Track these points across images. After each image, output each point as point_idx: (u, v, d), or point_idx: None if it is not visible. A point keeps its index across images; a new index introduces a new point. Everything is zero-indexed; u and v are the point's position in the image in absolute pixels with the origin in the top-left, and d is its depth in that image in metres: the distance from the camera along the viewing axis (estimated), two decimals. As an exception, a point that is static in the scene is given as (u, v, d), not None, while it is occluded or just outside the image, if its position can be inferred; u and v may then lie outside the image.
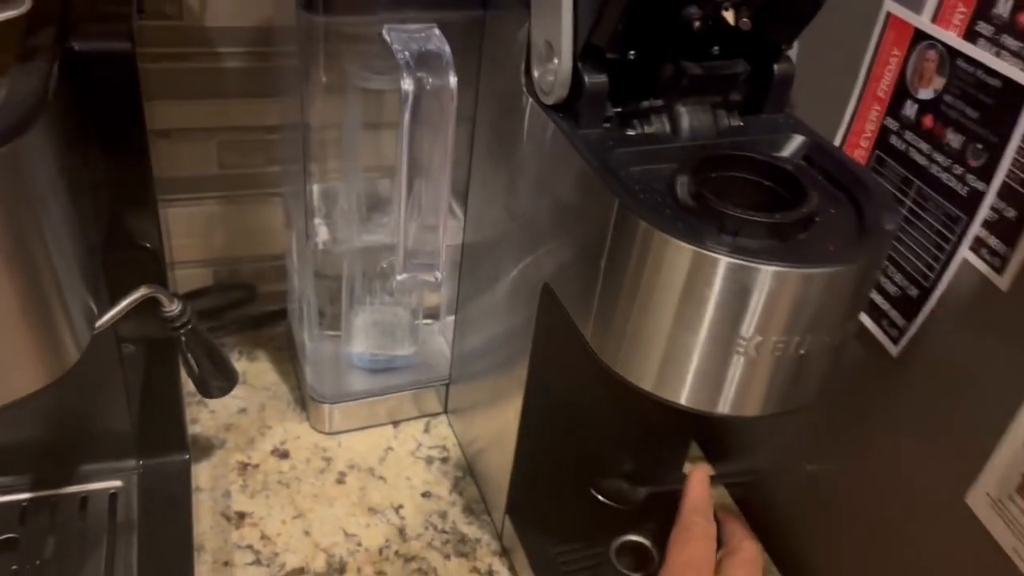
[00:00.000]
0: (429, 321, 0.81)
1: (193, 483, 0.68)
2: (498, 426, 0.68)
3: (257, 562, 0.65)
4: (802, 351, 0.45)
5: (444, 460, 0.76)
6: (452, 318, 0.76)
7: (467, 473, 0.75)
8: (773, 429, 0.72)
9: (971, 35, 0.50)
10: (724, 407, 0.48)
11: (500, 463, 0.68)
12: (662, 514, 0.69)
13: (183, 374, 0.63)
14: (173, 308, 0.55)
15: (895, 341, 0.56)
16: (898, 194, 0.56)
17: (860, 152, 0.59)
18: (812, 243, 0.45)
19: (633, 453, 0.70)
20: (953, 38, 0.51)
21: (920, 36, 0.53)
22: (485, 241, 0.67)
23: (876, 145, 0.57)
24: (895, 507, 0.59)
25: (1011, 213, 0.48)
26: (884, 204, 0.47)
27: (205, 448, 0.74)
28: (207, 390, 0.61)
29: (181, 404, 0.65)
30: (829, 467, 0.66)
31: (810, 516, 0.69)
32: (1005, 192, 0.48)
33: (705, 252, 0.43)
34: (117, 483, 0.63)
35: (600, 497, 0.69)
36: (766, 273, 0.43)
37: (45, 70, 0.42)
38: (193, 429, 0.75)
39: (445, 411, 0.80)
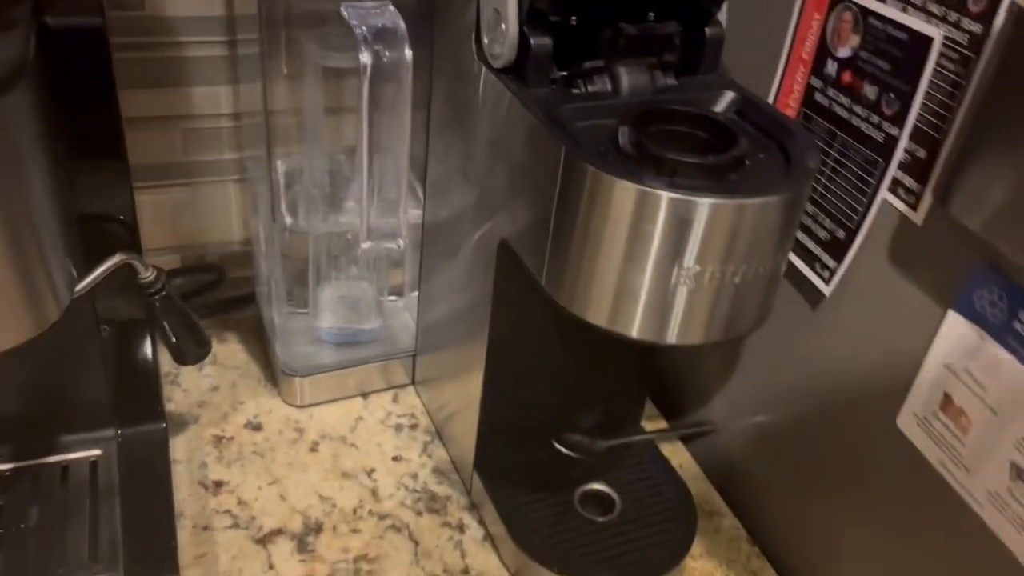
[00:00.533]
0: (394, 298, 0.84)
1: (171, 457, 0.71)
2: (464, 390, 0.71)
3: (236, 525, 0.68)
4: (737, 280, 0.49)
5: (413, 427, 0.79)
6: (416, 294, 0.80)
7: (435, 438, 0.78)
8: (722, 380, 0.76)
9: (881, -6, 0.55)
10: (671, 337, 0.52)
11: (467, 424, 0.71)
12: (622, 464, 0.73)
13: (158, 348, 0.66)
14: (148, 275, 0.58)
15: (827, 281, 0.61)
16: (824, 146, 0.60)
17: (790, 110, 0.64)
18: (744, 182, 0.50)
19: (593, 409, 0.74)
20: (865, -1, 0.56)
21: (837, -1, 0.58)
22: (445, 212, 0.71)
23: (803, 103, 0.62)
24: (835, 436, 0.64)
25: (922, 153, 0.53)
26: (806, 145, 0.51)
27: (180, 424, 0.76)
28: (183, 357, 0.63)
29: (157, 374, 0.67)
30: (776, 410, 0.70)
31: (761, 459, 0.73)
32: (916, 135, 0.53)
33: (648, 189, 0.47)
34: (97, 452, 0.65)
35: (563, 450, 0.72)
36: (703, 205, 0.47)
37: (23, 39, 0.45)
38: (168, 407, 0.77)
39: (413, 382, 0.83)
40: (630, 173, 0.48)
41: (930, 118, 0.52)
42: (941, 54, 0.51)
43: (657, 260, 0.49)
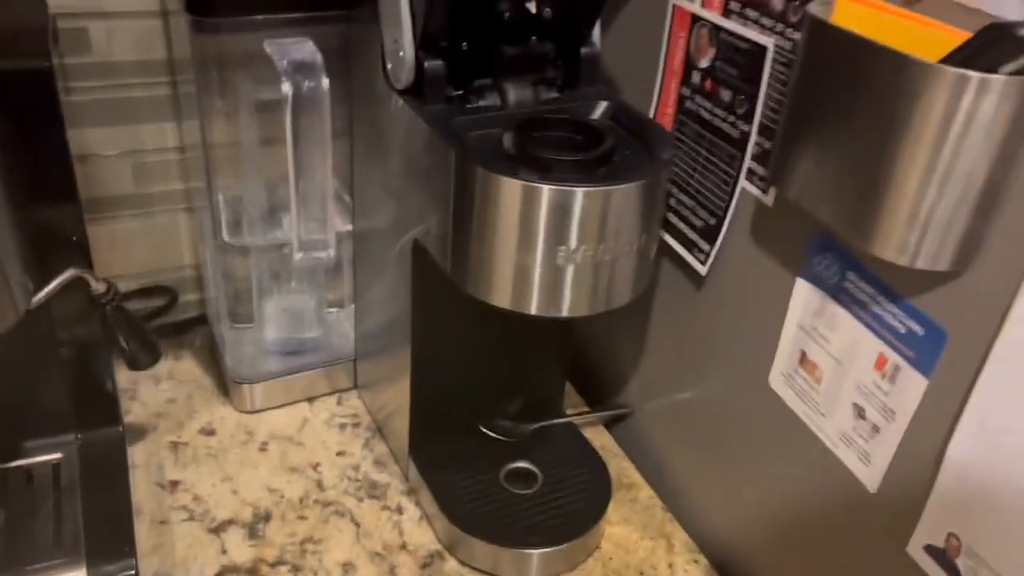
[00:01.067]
0: (335, 309, 0.92)
1: (129, 461, 0.77)
2: (398, 386, 0.78)
3: (191, 518, 0.74)
4: (611, 257, 0.57)
5: (356, 425, 0.86)
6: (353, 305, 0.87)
7: (376, 434, 0.85)
8: (634, 365, 0.84)
9: (727, 12, 0.63)
10: (564, 310, 0.60)
11: (402, 416, 0.78)
12: (545, 445, 0.81)
13: (114, 361, 0.72)
14: (99, 287, 0.65)
15: (703, 263, 0.69)
16: (696, 146, 0.69)
17: (668, 116, 0.72)
18: (611, 173, 0.58)
19: (516, 395, 0.81)
20: (716, 16, 0.64)
21: (696, 19, 0.67)
22: (371, 225, 0.78)
23: (678, 109, 0.71)
24: (725, 403, 0.72)
25: (767, 145, 0.62)
26: (664, 141, 0.60)
27: (139, 433, 0.82)
28: (136, 363, 0.70)
29: (113, 383, 0.74)
30: (679, 386, 0.78)
31: (670, 433, 0.80)
32: (762, 129, 0.62)
33: (530, 184, 0.55)
34: (59, 455, 0.71)
35: (491, 434, 0.80)
36: (577, 194, 0.55)
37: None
38: (127, 419, 0.83)
39: (355, 385, 0.90)
40: (513, 171, 0.56)
41: (770, 114, 0.61)
42: (774, 59, 0.59)
43: (544, 244, 0.57)
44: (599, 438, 0.86)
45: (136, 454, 0.80)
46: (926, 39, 0.46)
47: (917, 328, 0.52)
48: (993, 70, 0.42)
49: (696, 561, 0.74)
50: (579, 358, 0.92)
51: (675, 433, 0.80)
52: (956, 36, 0.45)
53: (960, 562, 0.51)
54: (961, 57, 0.43)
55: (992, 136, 0.44)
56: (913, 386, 0.53)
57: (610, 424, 0.88)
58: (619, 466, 0.83)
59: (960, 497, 0.50)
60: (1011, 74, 0.42)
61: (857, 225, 0.50)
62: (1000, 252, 0.47)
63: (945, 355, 0.51)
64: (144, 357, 0.70)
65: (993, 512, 0.49)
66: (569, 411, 0.87)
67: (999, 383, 0.47)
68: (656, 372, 0.81)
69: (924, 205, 0.47)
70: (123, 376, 0.88)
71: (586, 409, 0.89)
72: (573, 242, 0.57)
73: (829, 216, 0.53)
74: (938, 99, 0.44)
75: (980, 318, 0.48)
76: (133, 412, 0.85)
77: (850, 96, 0.49)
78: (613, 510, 0.78)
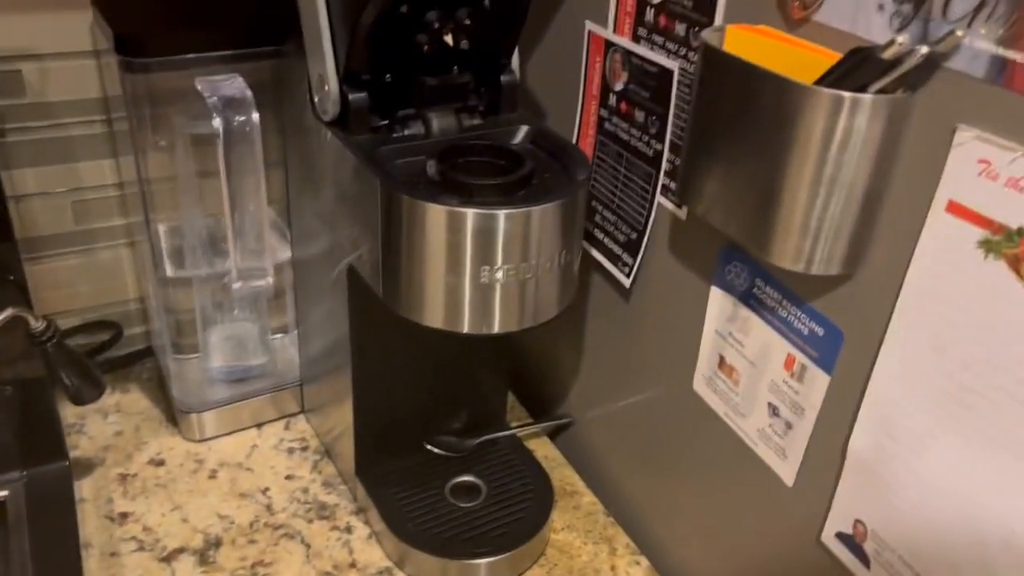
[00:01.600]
0: (279, 335, 0.93)
1: (77, 496, 0.77)
2: (342, 408, 0.80)
3: (141, 549, 0.75)
4: (534, 274, 0.60)
5: (304, 449, 0.87)
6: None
7: (324, 456, 0.86)
8: (574, 377, 0.87)
9: (636, 38, 0.67)
10: (495, 327, 0.62)
11: (348, 439, 0.80)
12: (489, 458, 0.83)
13: (57, 397, 0.73)
14: (39, 325, 0.66)
15: (627, 276, 0.73)
16: (616, 165, 0.72)
17: (589, 138, 0.76)
18: (531, 195, 0.61)
19: (459, 412, 0.84)
20: (627, 42, 0.68)
21: (609, 45, 0.70)
22: (308, 252, 0.80)
23: (598, 130, 0.74)
24: (655, 409, 0.75)
25: (677, 161, 0.65)
26: (579, 162, 0.63)
27: (86, 467, 0.83)
28: (80, 398, 0.71)
29: (57, 419, 0.75)
30: (614, 395, 0.81)
31: (609, 440, 0.83)
32: (672, 147, 0.66)
33: (453, 208, 0.58)
34: (4, 493, 0.72)
35: (435, 451, 0.82)
36: (498, 216, 0.58)
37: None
38: (73, 454, 0.84)
39: (302, 410, 0.92)
40: (436, 197, 0.59)
41: (679, 133, 0.64)
42: (679, 82, 0.63)
43: (471, 265, 0.60)
44: (543, 449, 0.89)
45: (84, 488, 0.80)
46: (809, 62, 0.49)
47: (818, 329, 0.56)
48: (863, 89, 0.46)
49: (638, 563, 0.77)
50: (522, 372, 0.95)
51: (614, 440, 0.83)
52: (834, 59, 0.48)
53: (867, 546, 0.54)
54: (833, 79, 0.47)
55: (868, 150, 0.48)
56: (818, 383, 0.56)
57: (553, 434, 0.91)
58: (562, 475, 0.86)
59: (863, 485, 0.54)
60: (878, 92, 0.46)
61: (756, 237, 0.53)
62: (883, 254, 0.50)
63: (843, 353, 0.54)
64: (88, 392, 0.71)
65: (891, 497, 0.52)
66: (513, 424, 0.90)
67: (889, 376, 0.51)
68: (593, 382, 0.84)
69: (813, 215, 0.50)
70: (70, 411, 0.89)
71: (529, 421, 0.92)
72: (498, 261, 0.59)
73: (732, 229, 0.56)
74: (817, 118, 0.48)
75: (871, 316, 0.52)
76: (81, 447, 0.85)
77: (742, 117, 0.52)
78: (557, 517, 0.80)
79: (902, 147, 0.48)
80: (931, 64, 0.45)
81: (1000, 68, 0.42)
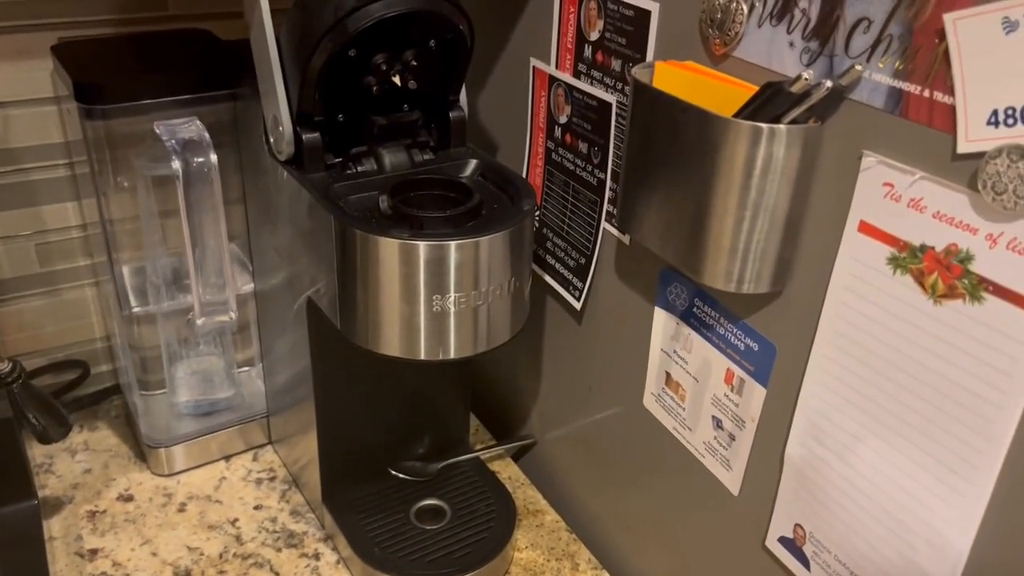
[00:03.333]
0: (246, 368, 0.95)
1: (46, 534, 0.79)
2: (308, 438, 0.82)
3: (111, 584, 0.76)
4: (484, 301, 0.63)
5: (272, 479, 0.89)
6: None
7: (292, 486, 0.88)
8: (534, 398, 0.89)
9: (577, 74, 0.71)
10: (451, 352, 0.65)
11: (314, 467, 0.82)
12: (453, 480, 0.85)
13: (23, 436, 0.74)
14: (5, 366, 0.68)
15: (578, 299, 0.76)
16: (564, 194, 0.76)
17: (539, 169, 0.79)
18: (480, 227, 0.64)
19: (421, 437, 0.86)
20: (568, 77, 0.72)
21: (553, 80, 0.74)
22: (269, 286, 0.82)
23: (546, 162, 0.78)
24: (610, 426, 0.78)
25: (619, 190, 0.68)
26: (524, 193, 0.66)
27: (55, 506, 0.84)
28: (47, 436, 0.72)
29: (25, 457, 0.75)
30: (572, 415, 0.84)
31: (569, 459, 0.86)
32: (615, 176, 0.69)
33: (405, 241, 0.60)
34: (-26, 534, 0.73)
35: (400, 475, 0.84)
36: (449, 247, 0.61)
37: None
38: (42, 493, 0.85)
39: (270, 441, 0.93)
40: (387, 230, 0.61)
41: (619, 162, 0.68)
42: (617, 114, 0.66)
43: (424, 294, 0.62)
44: (507, 470, 0.91)
45: (54, 526, 0.81)
46: (731, 95, 0.53)
47: (753, 344, 0.59)
48: (778, 120, 0.50)
49: (600, 577, 0.80)
50: (485, 397, 0.97)
51: (574, 458, 0.85)
52: (752, 92, 0.52)
53: (806, 549, 0.57)
54: (749, 111, 0.50)
55: (786, 176, 0.51)
56: (756, 396, 0.59)
57: (517, 455, 0.93)
58: (526, 494, 0.88)
59: (799, 490, 0.57)
60: (792, 123, 0.49)
61: (690, 260, 0.57)
62: (807, 272, 0.54)
63: (777, 366, 0.57)
64: (54, 430, 0.72)
65: (824, 500, 0.55)
66: (477, 447, 0.92)
67: (817, 385, 0.54)
68: (553, 403, 0.87)
69: (740, 238, 0.53)
70: (38, 451, 0.90)
71: (492, 443, 0.94)
72: (450, 290, 0.62)
73: (669, 254, 0.59)
74: (739, 148, 0.51)
75: (799, 331, 0.55)
76: (50, 485, 0.86)
77: (671, 148, 0.56)
78: (521, 536, 0.83)
79: (817, 173, 0.51)
80: (837, 96, 0.48)
81: (897, 99, 0.46)
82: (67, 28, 0.83)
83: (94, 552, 0.79)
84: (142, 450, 0.90)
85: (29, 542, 0.74)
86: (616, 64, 0.66)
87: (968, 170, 0.43)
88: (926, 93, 0.44)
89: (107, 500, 0.85)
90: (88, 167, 0.78)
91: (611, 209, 0.70)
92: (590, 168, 0.71)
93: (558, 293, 0.78)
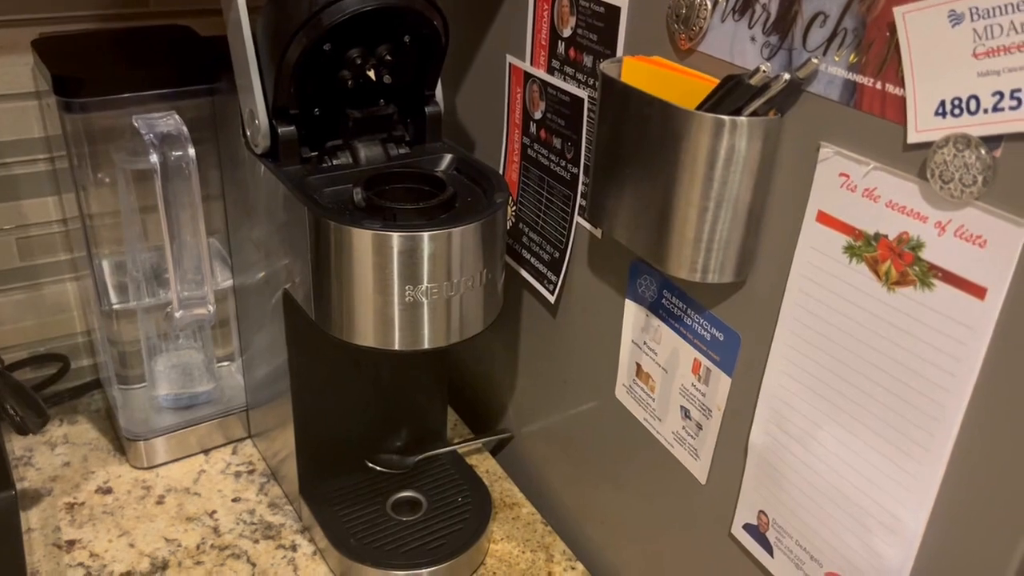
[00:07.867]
0: (226, 363, 0.96)
1: (24, 526, 0.79)
2: (285, 430, 0.82)
3: (88, 574, 0.77)
4: (452, 293, 0.64)
5: (251, 472, 0.90)
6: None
7: (271, 479, 0.89)
8: (510, 392, 0.90)
9: (551, 70, 0.72)
10: (425, 343, 0.66)
11: (292, 460, 0.82)
12: (429, 473, 0.86)
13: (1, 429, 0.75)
14: (-19, 357, 0.68)
15: (552, 292, 0.77)
16: (539, 188, 0.77)
17: (515, 164, 0.80)
18: (453, 219, 0.65)
19: (398, 430, 0.87)
20: (543, 74, 0.73)
21: (528, 76, 0.75)
22: (247, 279, 0.83)
23: (521, 157, 0.79)
24: (584, 418, 0.78)
25: (589, 183, 0.69)
26: (497, 186, 0.67)
27: (34, 498, 0.84)
28: (25, 427, 0.73)
29: (3, 448, 0.76)
30: (547, 408, 0.85)
31: (544, 452, 0.87)
32: (586, 170, 0.70)
33: (378, 232, 0.61)
34: (-50, 524, 0.73)
35: (377, 468, 0.85)
36: (421, 237, 0.61)
37: None
38: (21, 485, 0.85)
39: (249, 435, 0.94)
40: (361, 222, 0.62)
41: (590, 156, 0.69)
42: (589, 110, 0.68)
43: (398, 285, 0.63)
44: (484, 463, 0.92)
45: (32, 518, 0.82)
46: (696, 89, 0.54)
47: (718, 334, 0.60)
48: (738, 112, 0.51)
49: (574, 567, 0.80)
50: (463, 391, 0.98)
51: (550, 451, 0.86)
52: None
53: (769, 535, 0.58)
54: (711, 104, 0.51)
55: (748, 167, 0.52)
56: (721, 385, 0.61)
57: (494, 449, 0.94)
58: (502, 487, 0.89)
59: (762, 477, 0.58)
60: (752, 115, 0.51)
61: (656, 252, 0.58)
62: (768, 262, 0.55)
63: (741, 355, 0.58)
64: (32, 422, 0.73)
65: (786, 486, 0.56)
66: (455, 440, 0.93)
67: (778, 373, 0.55)
68: (529, 396, 0.88)
69: (704, 229, 0.55)
70: (18, 444, 0.90)
71: (469, 437, 0.95)
72: (423, 280, 0.63)
73: (637, 246, 0.60)
74: (702, 140, 0.52)
75: (762, 319, 0.56)
76: (28, 478, 0.87)
77: (638, 142, 0.57)
78: (497, 528, 0.83)
79: (777, 164, 0.52)
80: (795, 89, 0.50)
81: (851, 91, 0.47)
82: (48, 23, 0.83)
83: (72, 543, 0.80)
84: (121, 443, 0.90)
85: (6, 532, 0.74)
86: (588, 60, 0.67)
87: (918, 160, 0.44)
88: (878, 85, 0.45)
89: (86, 492, 0.86)
90: (68, 162, 0.79)
91: (584, 203, 0.71)
92: (563, 163, 0.72)
93: (534, 288, 0.79)
